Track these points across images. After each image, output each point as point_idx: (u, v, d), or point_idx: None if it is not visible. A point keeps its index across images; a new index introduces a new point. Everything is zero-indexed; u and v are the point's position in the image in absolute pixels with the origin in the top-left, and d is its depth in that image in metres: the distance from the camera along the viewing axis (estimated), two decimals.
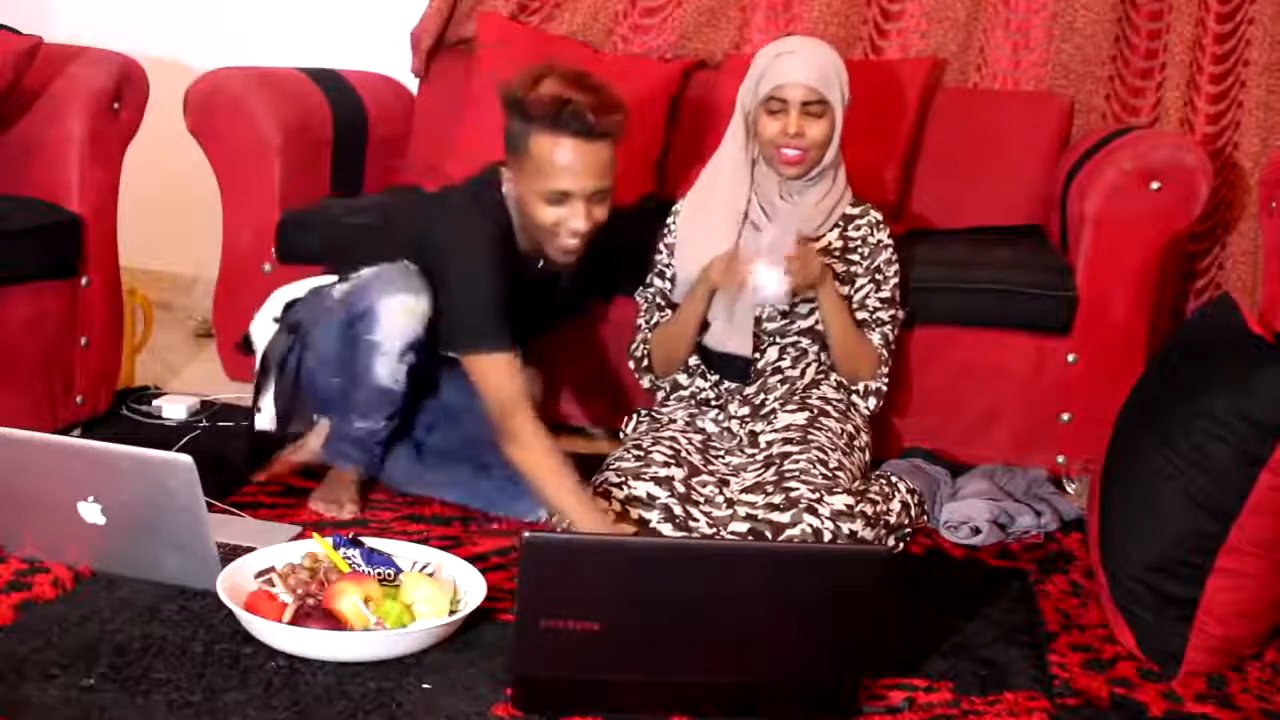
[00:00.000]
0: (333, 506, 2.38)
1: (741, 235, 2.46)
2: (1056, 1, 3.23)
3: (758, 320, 2.47)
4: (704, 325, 2.48)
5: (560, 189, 2.21)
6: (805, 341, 2.51)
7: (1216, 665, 1.92)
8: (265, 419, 2.46)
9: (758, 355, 2.50)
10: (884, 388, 2.52)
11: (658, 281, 2.59)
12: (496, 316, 2.24)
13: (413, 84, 3.57)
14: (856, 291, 2.51)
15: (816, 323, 2.48)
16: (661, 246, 2.59)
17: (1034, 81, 3.27)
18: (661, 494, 2.20)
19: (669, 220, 2.60)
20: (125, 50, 2.84)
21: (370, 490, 2.49)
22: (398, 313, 2.26)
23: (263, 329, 2.49)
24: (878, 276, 2.51)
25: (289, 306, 2.48)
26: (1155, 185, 2.62)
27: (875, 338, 2.49)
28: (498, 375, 2.22)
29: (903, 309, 2.57)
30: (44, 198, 2.72)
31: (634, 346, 2.60)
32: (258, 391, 2.46)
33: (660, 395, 2.60)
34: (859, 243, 2.53)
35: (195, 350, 3.54)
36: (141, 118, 2.84)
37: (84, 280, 2.76)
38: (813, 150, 2.42)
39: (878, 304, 2.51)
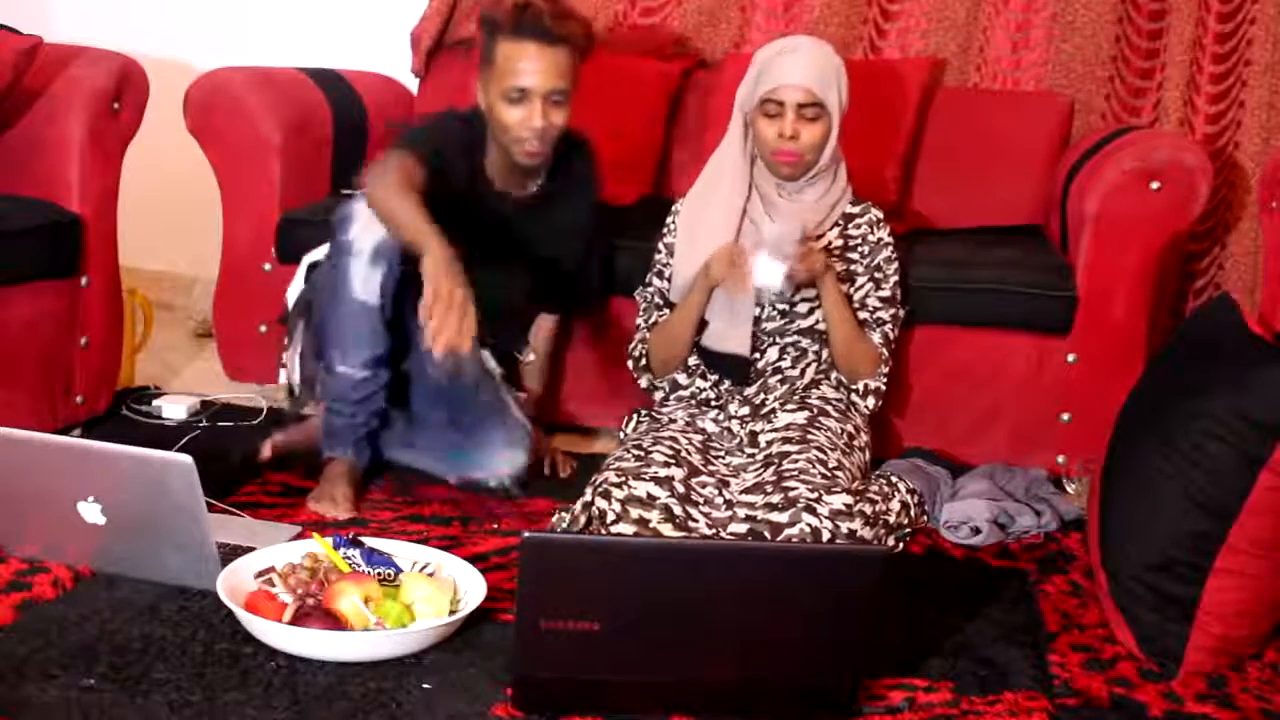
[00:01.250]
0: (327, 505, 2.38)
1: (741, 232, 2.46)
2: (1056, 1, 3.24)
3: (756, 320, 2.47)
4: (702, 325, 2.49)
5: (520, 85, 2.36)
6: (805, 341, 2.51)
7: (1216, 665, 1.92)
8: (291, 373, 2.55)
9: (757, 355, 2.50)
10: (883, 387, 2.52)
11: (656, 281, 2.59)
12: (422, 145, 2.36)
13: (413, 84, 3.57)
14: (857, 290, 2.51)
15: (816, 322, 2.48)
16: (660, 246, 2.59)
17: (1034, 81, 3.28)
18: (662, 494, 2.20)
19: (669, 220, 2.60)
20: (125, 50, 2.84)
21: (367, 490, 2.50)
22: (370, 213, 2.31)
23: (294, 295, 2.59)
24: (877, 275, 2.52)
25: (313, 268, 2.56)
26: (1155, 185, 2.62)
27: (875, 337, 2.49)
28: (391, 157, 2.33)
29: (903, 307, 2.57)
30: (44, 198, 2.72)
31: (632, 346, 2.60)
32: (289, 351, 2.57)
33: (659, 395, 2.60)
34: (859, 241, 2.53)
35: (195, 350, 3.55)
36: (141, 118, 2.84)
37: (84, 280, 2.76)
38: (808, 154, 2.42)
39: (878, 303, 2.51)
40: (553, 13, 2.37)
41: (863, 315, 2.50)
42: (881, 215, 2.56)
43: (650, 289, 2.60)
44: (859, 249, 2.52)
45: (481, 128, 2.50)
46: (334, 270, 2.38)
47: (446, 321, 2.03)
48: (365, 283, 2.36)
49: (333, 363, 2.42)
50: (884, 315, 2.51)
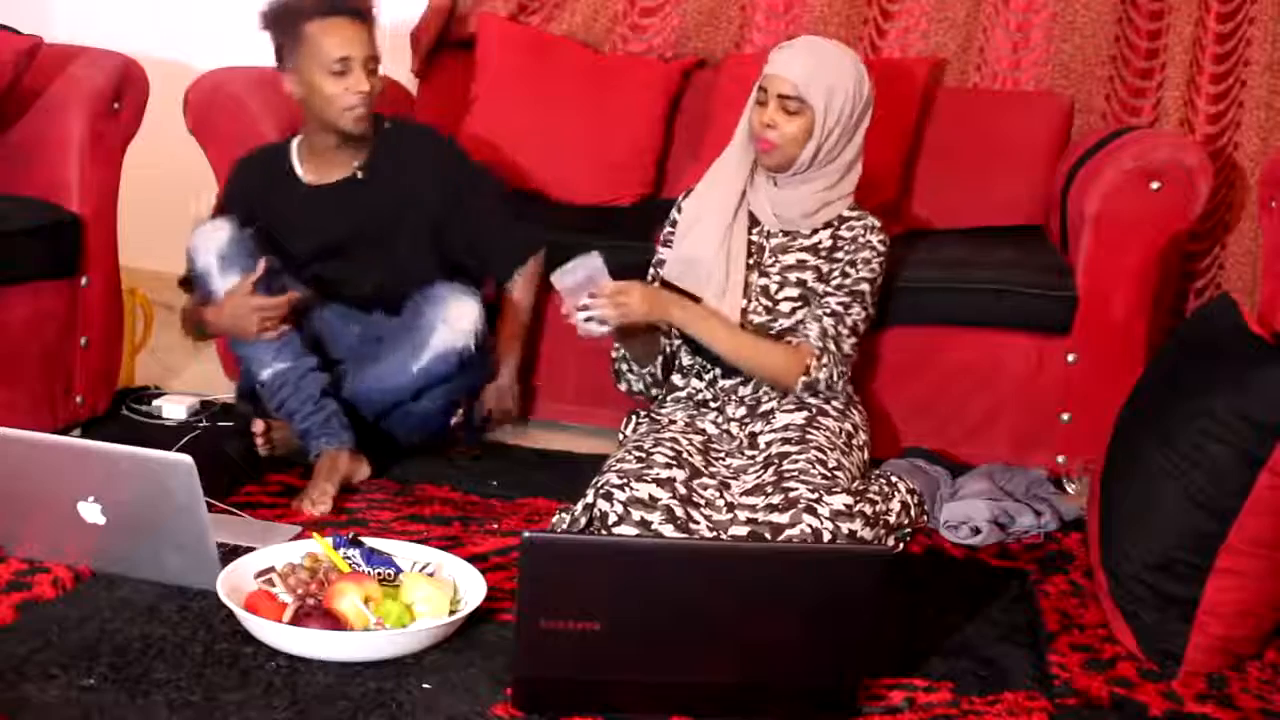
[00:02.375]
0: (306, 504, 2.41)
1: (737, 218, 2.46)
2: (1056, 1, 3.23)
3: (744, 311, 2.47)
4: (664, 334, 2.48)
5: (343, 55, 2.54)
6: (790, 340, 2.48)
7: (1216, 665, 1.92)
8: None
9: None
10: (823, 379, 2.40)
11: (654, 274, 2.59)
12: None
13: (413, 84, 3.57)
14: (824, 283, 2.48)
15: (799, 321, 2.46)
16: (662, 236, 2.59)
17: (1034, 81, 3.27)
18: (663, 495, 2.20)
19: (672, 212, 2.60)
20: (125, 50, 2.84)
21: (358, 487, 2.51)
22: (198, 238, 2.56)
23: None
24: (848, 269, 2.47)
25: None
26: (1155, 185, 2.62)
27: (813, 330, 2.42)
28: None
29: (870, 308, 2.47)
30: (44, 198, 2.72)
31: (617, 344, 2.57)
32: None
33: (655, 395, 2.59)
34: (847, 242, 2.50)
35: (195, 350, 3.54)
36: (141, 118, 2.84)
37: (84, 280, 2.76)
38: (785, 145, 2.40)
39: (830, 291, 2.45)
40: None
41: (815, 310, 2.45)
42: (878, 224, 2.50)
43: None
44: (845, 248, 2.50)
45: (274, 151, 2.72)
46: (209, 301, 2.55)
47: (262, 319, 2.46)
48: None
49: (260, 374, 2.52)
50: (833, 304, 2.43)
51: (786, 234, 2.50)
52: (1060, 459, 2.72)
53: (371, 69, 2.58)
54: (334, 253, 2.66)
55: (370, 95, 2.57)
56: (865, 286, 2.46)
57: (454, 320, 2.52)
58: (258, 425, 2.58)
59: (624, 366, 2.56)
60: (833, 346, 2.42)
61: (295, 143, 2.72)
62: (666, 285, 2.52)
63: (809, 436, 2.34)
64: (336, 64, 2.54)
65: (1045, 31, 3.25)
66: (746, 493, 2.24)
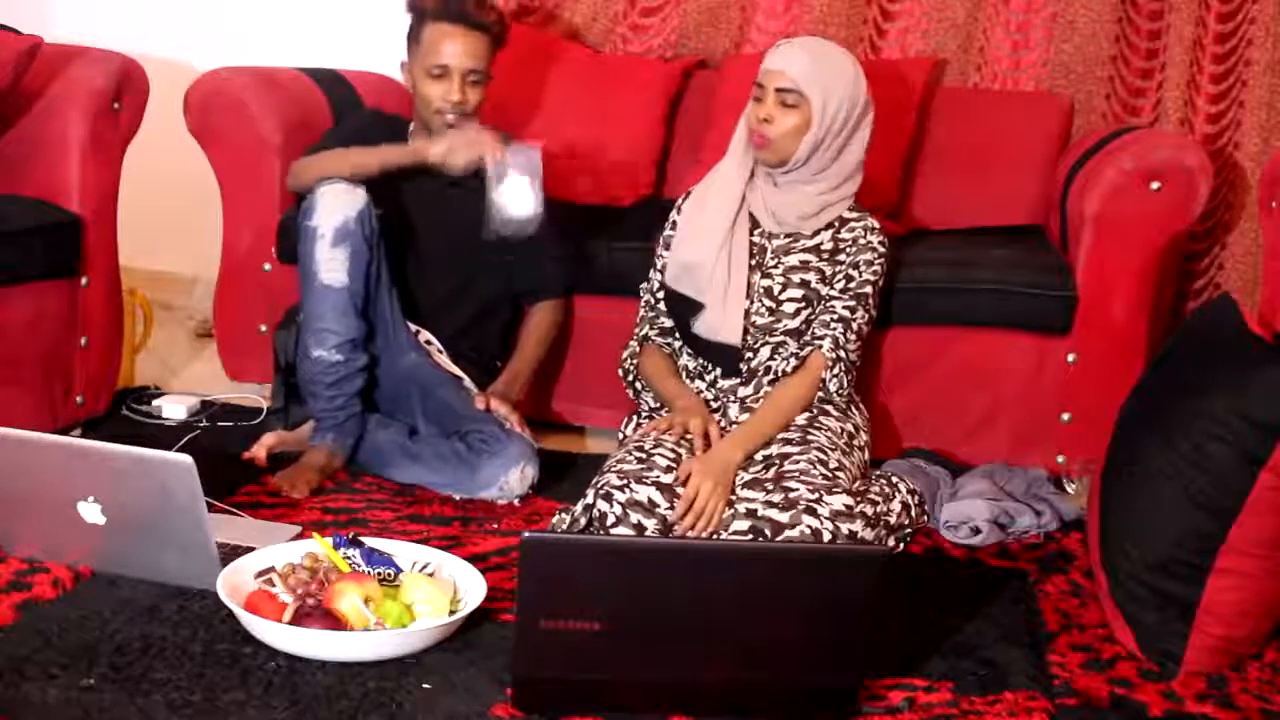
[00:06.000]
0: (285, 485, 2.44)
1: (737, 221, 2.45)
2: (1056, 1, 3.23)
3: (747, 313, 2.47)
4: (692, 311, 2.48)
5: (441, 63, 2.60)
6: (791, 343, 2.48)
7: (1216, 665, 1.92)
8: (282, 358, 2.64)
9: (750, 354, 2.49)
10: (833, 389, 2.42)
11: (655, 276, 2.59)
12: (339, 138, 2.69)
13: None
14: (831, 287, 2.48)
15: (802, 323, 2.47)
16: (662, 238, 2.59)
17: (1034, 81, 3.27)
18: (663, 502, 2.20)
19: (672, 213, 2.60)
20: (125, 50, 2.84)
21: (349, 493, 2.50)
22: (331, 195, 2.47)
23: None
24: (851, 272, 2.47)
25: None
26: (1155, 185, 2.62)
27: (825, 344, 2.42)
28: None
29: (872, 312, 2.49)
30: (44, 198, 2.72)
31: (624, 356, 2.58)
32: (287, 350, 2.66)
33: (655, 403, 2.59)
34: (849, 243, 2.50)
35: (195, 350, 3.55)
36: (141, 118, 2.84)
37: (84, 280, 2.76)
38: (781, 140, 2.40)
39: (836, 295, 2.46)
40: (475, 2, 2.64)
41: (823, 316, 2.46)
42: (877, 225, 2.51)
43: (647, 285, 2.61)
44: (846, 250, 2.50)
45: (401, 123, 2.74)
46: (301, 257, 2.48)
47: (478, 141, 2.47)
48: (329, 264, 2.45)
49: (308, 348, 2.49)
50: (840, 310, 2.44)
51: (788, 235, 2.50)
52: (1060, 459, 2.72)
53: (473, 81, 2.61)
54: (444, 259, 2.68)
55: (463, 106, 2.61)
56: (869, 289, 2.47)
57: (512, 486, 2.47)
58: (260, 452, 2.58)
59: (640, 386, 2.57)
60: (844, 355, 2.43)
61: (412, 126, 2.75)
62: (666, 289, 2.53)
63: (810, 437, 2.34)
64: (436, 69, 2.60)
65: (1045, 31, 3.26)
66: (746, 485, 2.24)
